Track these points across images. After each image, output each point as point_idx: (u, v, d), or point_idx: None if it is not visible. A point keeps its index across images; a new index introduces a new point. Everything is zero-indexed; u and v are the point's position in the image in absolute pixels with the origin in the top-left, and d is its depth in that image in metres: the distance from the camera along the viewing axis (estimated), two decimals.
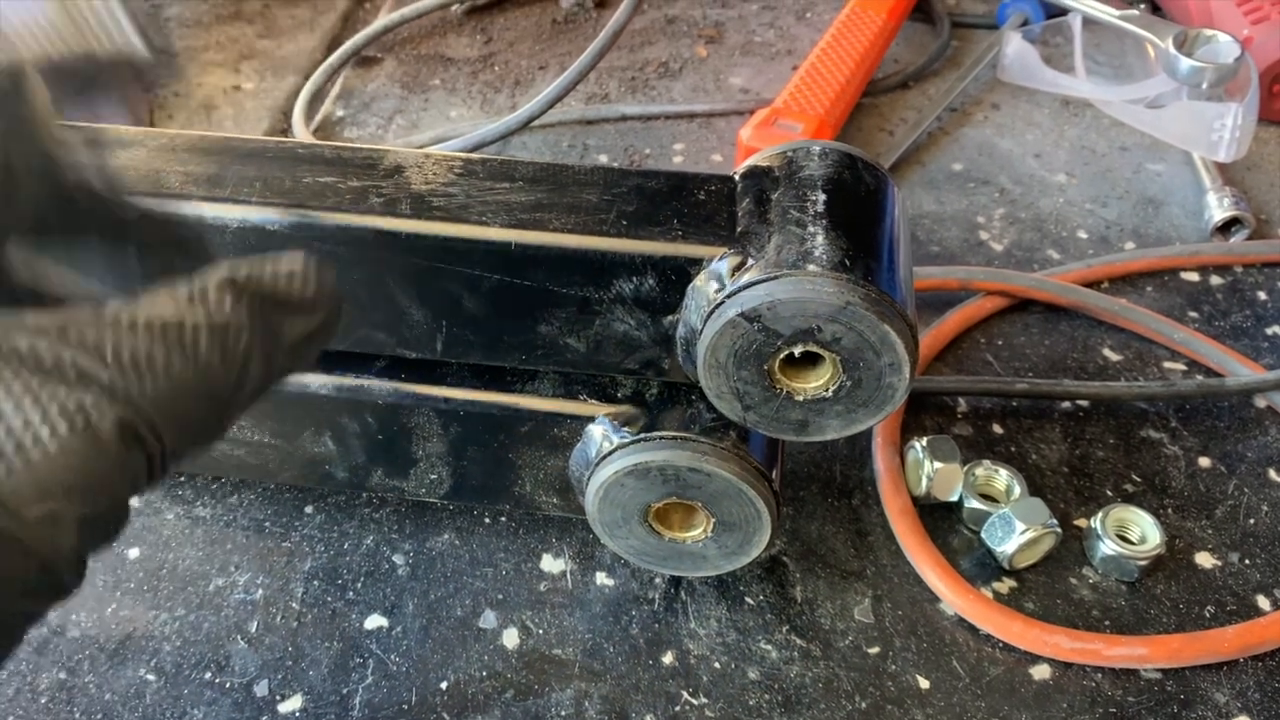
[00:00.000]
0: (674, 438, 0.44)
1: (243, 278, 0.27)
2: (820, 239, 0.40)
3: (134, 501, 0.26)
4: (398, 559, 0.53)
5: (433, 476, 0.50)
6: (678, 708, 0.47)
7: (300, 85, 0.86)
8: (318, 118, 0.84)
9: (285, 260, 0.28)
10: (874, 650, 0.49)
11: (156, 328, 0.25)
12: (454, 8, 0.96)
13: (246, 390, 0.27)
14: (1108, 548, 0.51)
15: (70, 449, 0.23)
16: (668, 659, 0.49)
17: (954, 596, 0.50)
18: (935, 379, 0.61)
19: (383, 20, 0.92)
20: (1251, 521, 0.55)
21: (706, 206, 0.43)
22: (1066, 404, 0.61)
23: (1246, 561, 0.53)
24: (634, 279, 0.42)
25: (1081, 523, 0.54)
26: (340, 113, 0.85)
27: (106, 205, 0.29)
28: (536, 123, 0.78)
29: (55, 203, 0.28)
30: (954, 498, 0.54)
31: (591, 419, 0.46)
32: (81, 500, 0.24)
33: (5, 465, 0.23)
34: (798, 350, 0.40)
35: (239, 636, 0.49)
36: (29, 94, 0.28)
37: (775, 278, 0.39)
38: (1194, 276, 0.70)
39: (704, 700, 0.47)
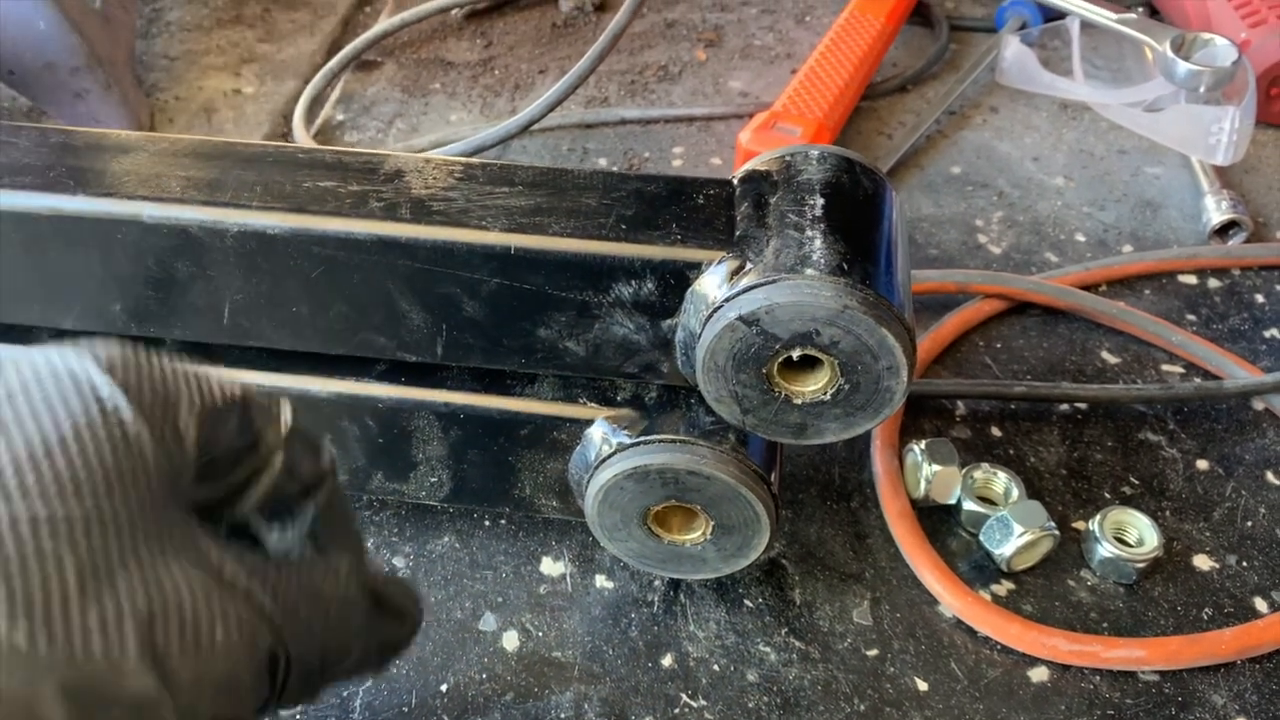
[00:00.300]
0: (673, 441, 0.44)
1: (376, 580, 0.33)
2: (818, 243, 0.40)
3: None
4: (398, 561, 0.53)
5: (433, 479, 0.50)
6: (677, 710, 0.47)
7: (300, 89, 0.86)
8: (318, 121, 0.84)
9: (401, 585, 0.35)
10: (872, 652, 0.49)
11: (309, 590, 0.30)
12: (454, 12, 0.97)
13: (345, 666, 0.32)
14: (1106, 550, 0.51)
15: (232, 650, 0.27)
16: (667, 661, 0.49)
17: (952, 599, 0.50)
18: (933, 382, 0.61)
19: (383, 24, 0.92)
20: (1249, 524, 0.55)
21: (705, 211, 0.43)
22: (1065, 407, 0.61)
23: (1244, 564, 0.53)
24: (633, 283, 0.42)
25: (1079, 525, 0.54)
26: (340, 117, 0.85)
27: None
28: (536, 126, 0.78)
29: None
30: (952, 500, 0.54)
31: (591, 422, 0.46)
32: (217, 705, 0.27)
33: (179, 646, 0.26)
34: (796, 354, 0.40)
35: None
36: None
37: (773, 282, 0.39)
38: (1192, 279, 0.70)
39: (703, 702, 0.47)
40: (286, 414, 0.32)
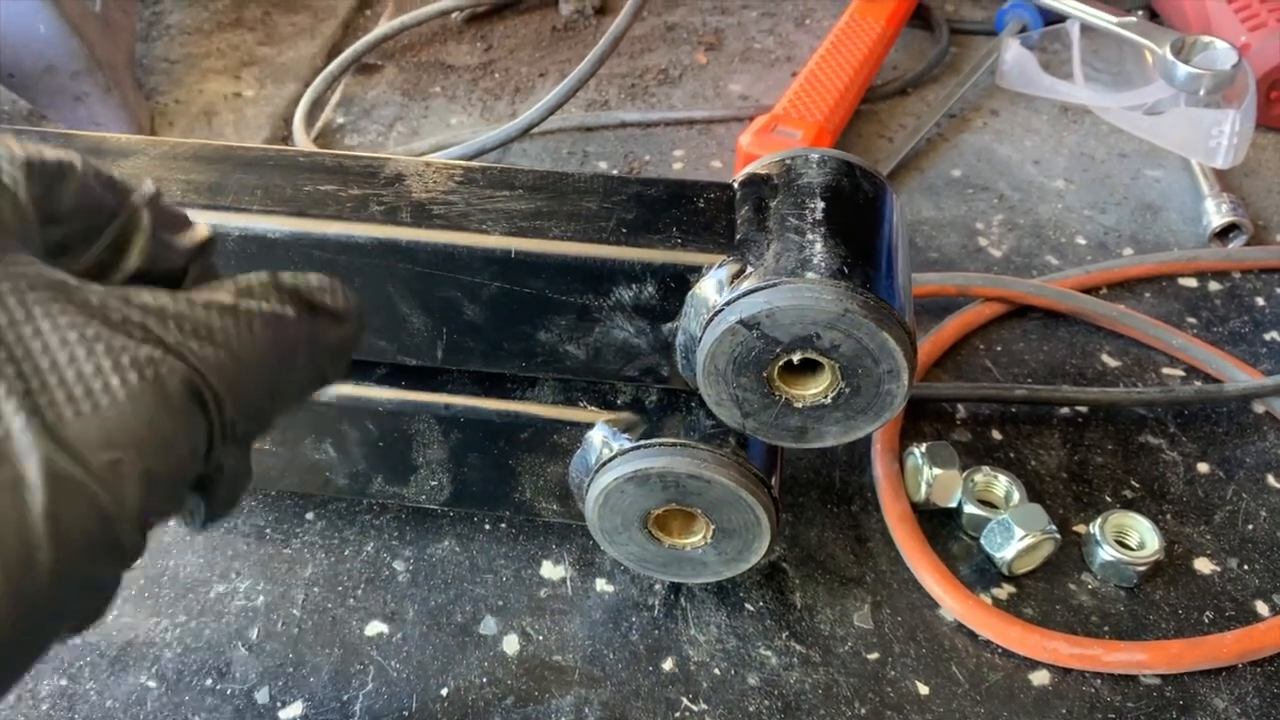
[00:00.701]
0: (673, 444, 0.44)
1: (287, 282, 0.29)
2: (819, 246, 0.40)
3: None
4: (398, 565, 0.53)
5: (433, 483, 0.50)
6: (678, 714, 0.47)
7: (301, 92, 0.86)
8: (318, 125, 0.84)
9: (316, 276, 0.30)
10: (873, 656, 0.49)
11: (215, 306, 0.26)
12: (454, 15, 0.97)
13: (295, 384, 0.29)
14: (1107, 553, 0.51)
15: (139, 398, 0.24)
16: (668, 665, 0.49)
17: (953, 602, 0.50)
18: (934, 385, 0.61)
19: (383, 28, 0.92)
20: (1250, 527, 0.55)
21: (706, 214, 0.43)
22: (1065, 410, 0.61)
23: (1245, 567, 0.53)
24: (633, 286, 0.42)
25: (1080, 528, 0.54)
26: (341, 120, 0.85)
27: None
28: (536, 130, 0.78)
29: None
30: (953, 504, 0.54)
31: (591, 426, 0.46)
32: (147, 453, 0.24)
33: (74, 409, 0.23)
34: (796, 357, 0.40)
35: (240, 643, 0.49)
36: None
37: (774, 285, 0.39)
38: (1192, 282, 0.70)
39: (704, 706, 0.47)
40: (147, 185, 0.29)
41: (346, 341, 0.30)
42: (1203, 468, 0.58)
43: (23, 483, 0.22)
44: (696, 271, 0.41)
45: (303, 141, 0.80)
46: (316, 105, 0.85)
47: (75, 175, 0.27)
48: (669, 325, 0.43)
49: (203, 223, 0.31)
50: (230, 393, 0.26)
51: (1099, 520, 0.52)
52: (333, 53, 0.93)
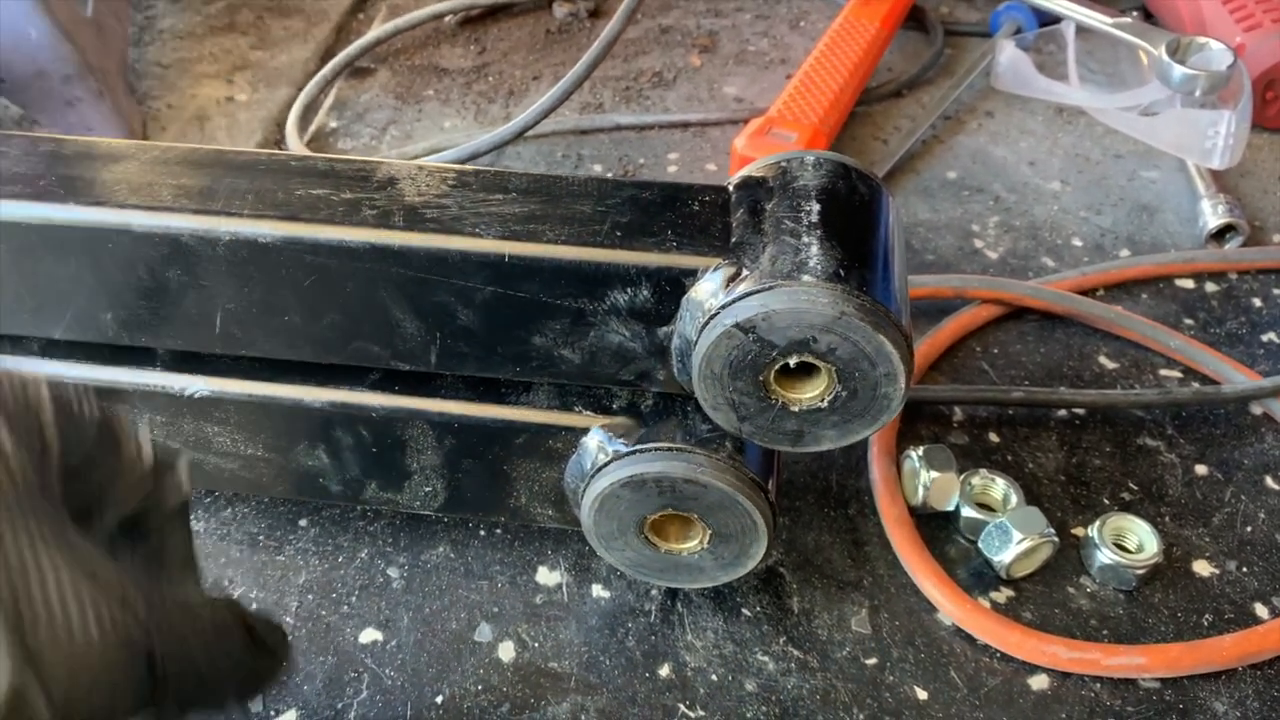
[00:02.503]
0: (669, 449, 0.44)
1: (247, 613, 0.34)
2: (815, 249, 0.40)
3: None
4: (392, 572, 0.52)
5: (427, 489, 0.50)
6: None
7: (294, 96, 0.86)
8: (311, 129, 0.84)
9: (270, 620, 0.35)
10: (871, 661, 0.49)
11: (183, 606, 0.31)
12: (447, 18, 0.96)
13: (219, 694, 0.32)
14: (1105, 556, 0.51)
15: (106, 646, 0.27)
16: (664, 671, 0.48)
17: (951, 606, 0.50)
18: (931, 388, 0.61)
19: (376, 31, 0.92)
20: (1249, 529, 0.55)
21: (701, 217, 0.43)
22: (1063, 412, 0.61)
23: (1244, 569, 0.53)
24: (628, 290, 0.42)
25: (1079, 531, 0.54)
26: (334, 124, 0.85)
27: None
28: (531, 133, 0.78)
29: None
30: (951, 507, 0.54)
31: (586, 430, 0.46)
32: (92, 698, 0.26)
33: (50, 637, 0.25)
34: (793, 361, 0.40)
35: None
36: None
37: (770, 288, 0.39)
38: (1189, 284, 0.70)
39: (701, 713, 0.47)
40: (144, 434, 0.33)
41: (269, 674, 0.35)
42: (1201, 470, 0.58)
43: None
44: (692, 275, 0.41)
45: (296, 145, 0.80)
46: (310, 109, 0.84)
47: (95, 421, 0.31)
48: (664, 329, 0.43)
49: (186, 486, 0.34)
50: (171, 676, 0.29)
51: (1097, 523, 0.52)
52: (326, 56, 0.92)
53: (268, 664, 0.35)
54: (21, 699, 0.24)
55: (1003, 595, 0.52)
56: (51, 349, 0.49)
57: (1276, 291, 0.69)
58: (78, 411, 0.30)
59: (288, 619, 0.50)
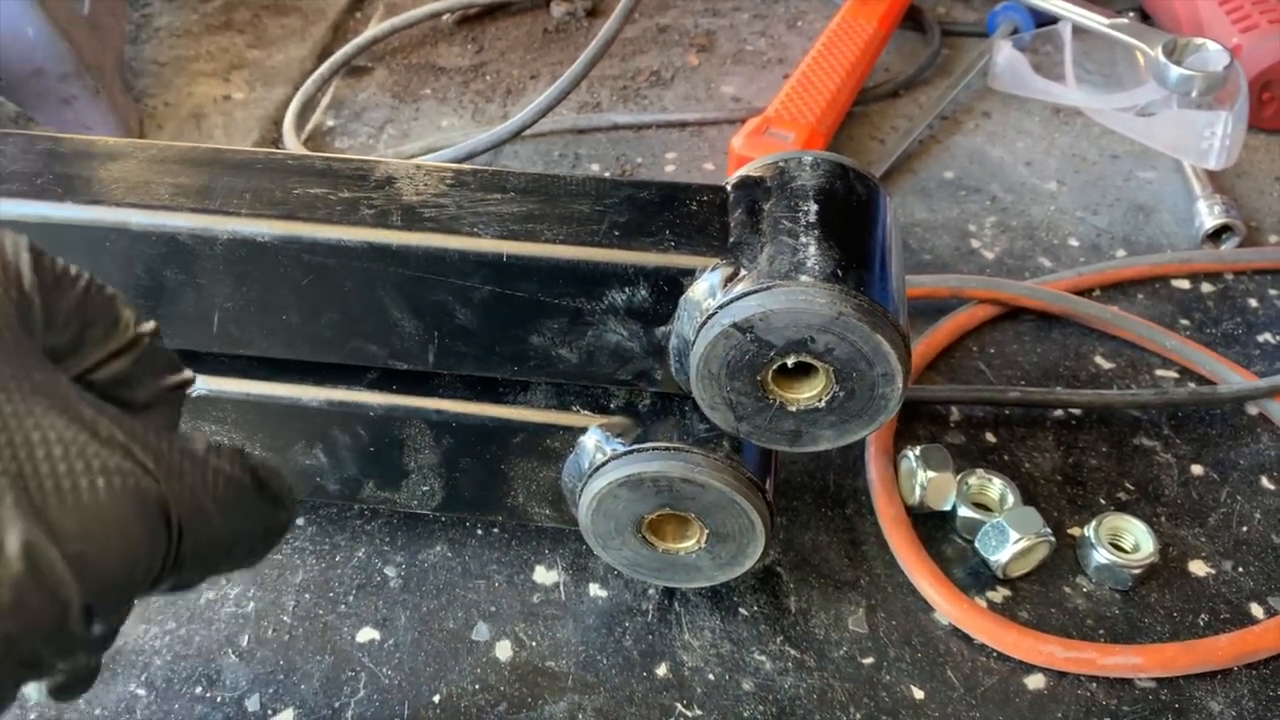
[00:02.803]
0: (667, 449, 0.44)
1: (251, 458, 0.32)
2: (812, 249, 0.40)
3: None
4: (389, 571, 0.52)
5: (425, 488, 0.50)
6: (672, 719, 0.47)
7: (291, 95, 0.86)
8: (308, 128, 0.84)
9: (273, 464, 0.33)
10: (868, 660, 0.49)
11: (189, 453, 0.29)
12: (445, 17, 0.96)
13: (234, 545, 0.31)
14: (1101, 556, 0.51)
15: (117, 501, 0.25)
16: (661, 671, 0.49)
17: (948, 606, 0.50)
18: (928, 388, 0.61)
19: (373, 30, 0.92)
20: (1244, 529, 0.55)
21: (699, 217, 0.43)
22: (1059, 412, 0.61)
23: (1240, 569, 0.53)
24: (626, 290, 0.42)
25: (1075, 531, 0.54)
26: (331, 123, 0.85)
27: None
28: (528, 132, 0.78)
29: None
30: (947, 507, 0.54)
31: (584, 430, 0.46)
32: (111, 554, 0.25)
33: (58, 498, 0.24)
34: (790, 361, 0.40)
35: (230, 650, 0.49)
36: None
37: (768, 288, 0.39)
38: (1185, 284, 0.70)
39: (698, 712, 0.47)
40: (149, 323, 0.31)
41: (282, 527, 0.33)
42: (1197, 470, 0.58)
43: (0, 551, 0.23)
44: (689, 275, 0.41)
45: (293, 144, 0.79)
46: (307, 108, 0.84)
47: (80, 284, 0.29)
48: (662, 329, 0.43)
49: (188, 372, 0.33)
50: (189, 527, 0.28)
51: (1093, 523, 0.52)
52: (323, 55, 0.92)
53: (280, 515, 0.33)
54: (37, 553, 0.23)
55: (999, 595, 0.52)
56: None
57: (1272, 292, 0.70)
58: (58, 266, 0.29)
59: (284, 618, 0.50)
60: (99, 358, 0.30)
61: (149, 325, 0.31)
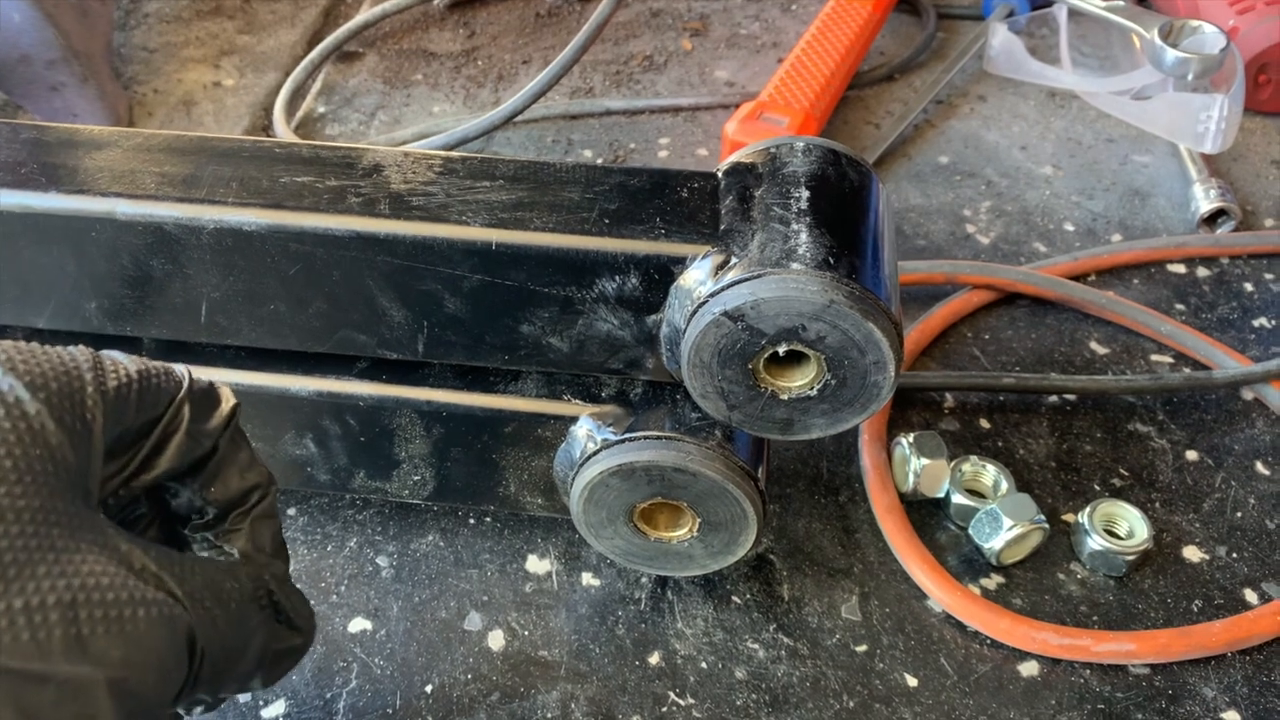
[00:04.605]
0: (659, 437, 0.44)
1: (273, 585, 0.34)
2: (804, 236, 0.39)
3: None
4: (381, 561, 0.52)
5: (416, 478, 0.49)
6: (665, 708, 0.47)
7: (281, 81, 0.85)
8: (299, 114, 0.83)
9: (302, 596, 0.36)
10: (861, 648, 0.49)
11: (212, 582, 0.32)
12: (436, 2, 0.96)
13: (242, 668, 0.33)
14: (1095, 543, 0.51)
15: (154, 630, 0.28)
16: (654, 659, 0.48)
17: (941, 593, 0.50)
18: (921, 374, 0.61)
19: (364, 15, 0.91)
20: (1239, 515, 0.55)
21: (690, 204, 0.43)
22: (1054, 398, 0.60)
23: (1234, 555, 0.53)
24: (617, 278, 0.41)
25: (1069, 518, 0.54)
26: (322, 109, 0.84)
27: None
28: (520, 118, 0.78)
29: None
30: (941, 494, 0.54)
31: (575, 419, 0.46)
32: (145, 680, 0.27)
33: (104, 628, 0.27)
34: (782, 349, 0.40)
35: None
36: None
37: (759, 276, 0.38)
38: (1181, 269, 0.70)
39: (691, 700, 0.47)
40: (180, 372, 0.33)
41: (296, 650, 0.36)
42: (1191, 455, 0.58)
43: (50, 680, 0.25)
44: (680, 263, 0.41)
45: (283, 131, 0.79)
46: (297, 94, 0.84)
47: (136, 390, 0.31)
48: (653, 317, 0.42)
49: (227, 390, 0.35)
50: (209, 651, 0.30)
51: (1088, 509, 0.52)
52: (313, 41, 0.92)
53: (294, 640, 0.35)
54: (85, 690, 0.26)
55: (993, 582, 0.52)
56: (35, 339, 0.48)
57: (1268, 276, 0.69)
58: (121, 379, 0.31)
59: None
60: (150, 446, 0.33)
61: (183, 378, 0.33)
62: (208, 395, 0.34)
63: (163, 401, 0.32)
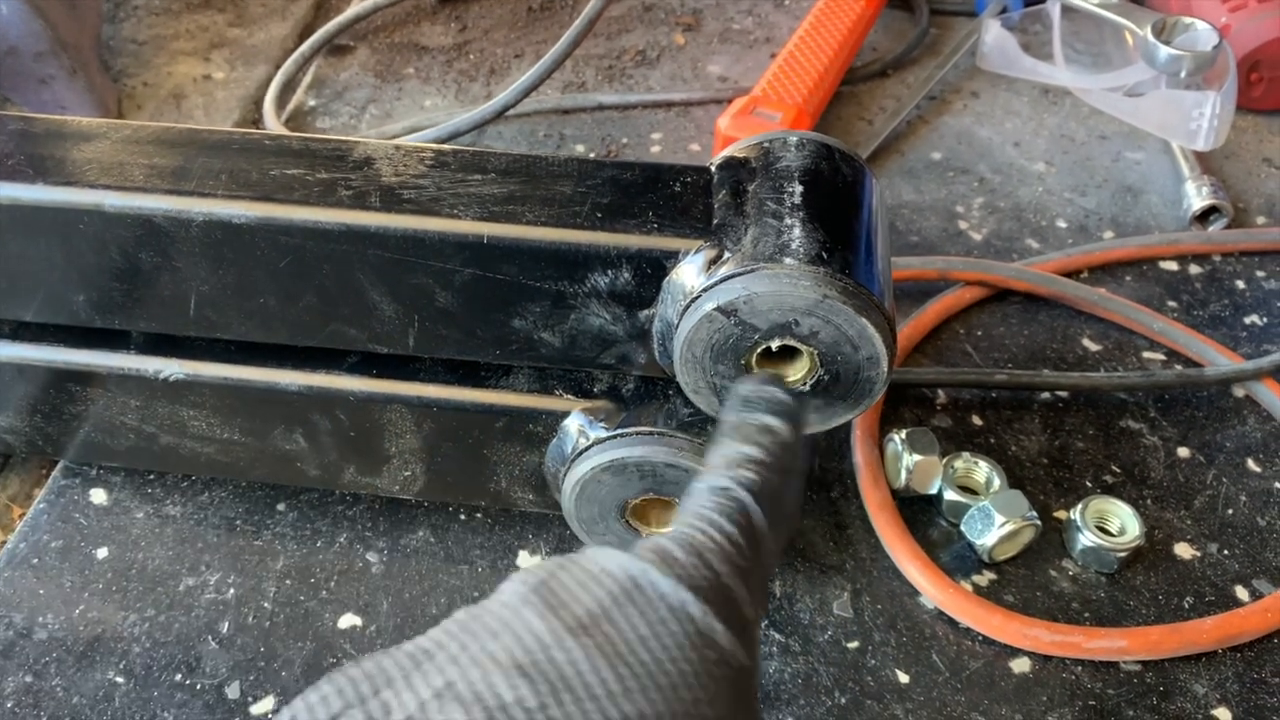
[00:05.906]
0: (651, 433, 0.44)
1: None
2: (797, 231, 0.39)
3: None
4: (371, 557, 0.52)
5: (406, 473, 0.49)
6: None
7: (272, 74, 0.85)
8: (289, 107, 0.83)
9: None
10: (853, 645, 0.49)
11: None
12: None
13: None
14: (1087, 539, 0.51)
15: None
16: None
17: (933, 590, 0.50)
18: (914, 370, 0.61)
19: (355, 8, 0.91)
20: (1230, 512, 0.55)
21: (682, 199, 0.42)
22: (1046, 395, 0.60)
23: (1225, 552, 0.53)
24: (609, 272, 0.41)
25: (1061, 514, 0.54)
26: (312, 102, 0.84)
27: None
28: (512, 112, 0.77)
29: None
30: (933, 490, 0.54)
31: (567, 414, 0.46)
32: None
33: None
34: (775, 344, 0.40)
35: (210, 637, 0.48)
36: None
37: (752, 271, 0.38)
38: (1173, 266, 0.70)
39: None
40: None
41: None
42: (1183, 452, 0.58)
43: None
44: (673, 257, 0.40)
45: (273, 124, 0.78)
46: (288, 88, 0.83)
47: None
48: (646, 312, 0.42)
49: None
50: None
51: (1080, 506, 0.52)
52: (304, 34, 0.91)
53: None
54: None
55: (985, 578, 0.52)
56: (22, 332, 0.48)
57: (1260, 274, 0.69)
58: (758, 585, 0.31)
59: (265, 604, 0.50)
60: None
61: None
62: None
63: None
